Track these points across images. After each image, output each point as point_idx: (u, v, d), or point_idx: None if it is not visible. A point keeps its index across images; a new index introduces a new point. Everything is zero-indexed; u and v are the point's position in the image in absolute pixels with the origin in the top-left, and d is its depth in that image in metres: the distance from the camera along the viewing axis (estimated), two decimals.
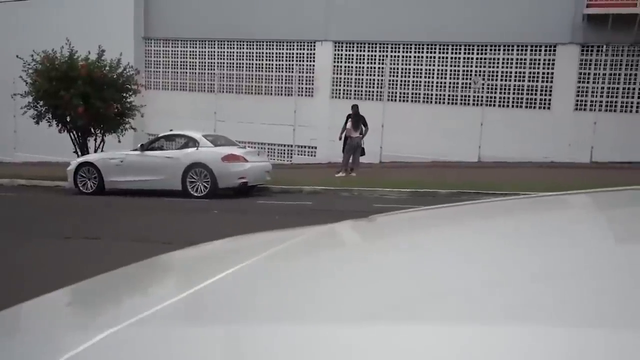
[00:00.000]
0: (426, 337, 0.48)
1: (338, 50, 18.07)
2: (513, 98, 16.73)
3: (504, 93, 16.77)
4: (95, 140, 13.54)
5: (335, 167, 13.97)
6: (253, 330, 0.54)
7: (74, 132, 13.35)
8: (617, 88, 15.97)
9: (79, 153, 13.05)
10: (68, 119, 13.00)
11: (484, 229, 1.03)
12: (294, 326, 0.54)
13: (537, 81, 16.51)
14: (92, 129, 13.37)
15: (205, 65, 19.61)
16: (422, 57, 17.35)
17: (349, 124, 13.26)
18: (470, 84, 16.96)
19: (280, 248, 0.95)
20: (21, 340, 0.65)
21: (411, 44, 17.33)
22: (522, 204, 1.28)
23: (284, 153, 18.73)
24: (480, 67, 16.85)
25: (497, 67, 16.77)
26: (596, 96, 16.07)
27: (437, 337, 0.47)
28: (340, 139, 13.64)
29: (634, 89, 15.84)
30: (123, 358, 0.52)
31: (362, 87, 17.97)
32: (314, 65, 18.31)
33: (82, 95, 12.41)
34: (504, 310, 0.53)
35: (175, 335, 0.56)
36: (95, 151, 13.08)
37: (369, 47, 17.77)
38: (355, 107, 13.35)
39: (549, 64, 16.38)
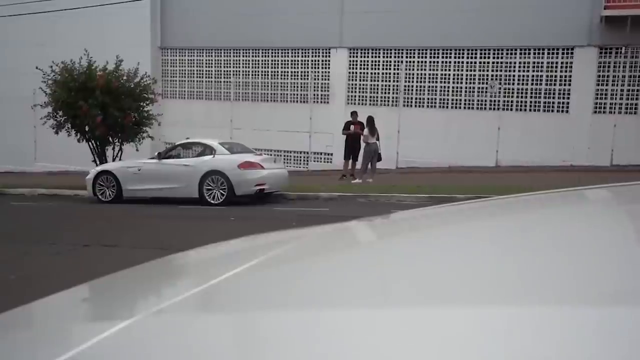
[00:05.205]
0: (434, 322, 0.49)
1: (353, 56, 18.10)
2: (530, 102, 16.58)
3: (521, 97, 16.63)
4: (114, 149, 13.70)
5: (340, 173, 14.13)
6: (267, 318, 0.56)
7: (93, 142, 13.53)
8: (637, 90, 15.75)
9: (98, 162, 13.20)
10: (87, 129, 13.17)
11: (489, 224, 1.05)
12: (303, 313, 0.56)
13: (554, 84, 16.35)
14: (110, 138, 13.53)
15: (221, 74, 19.77)
16: (438, 62, 17.30)
17: (365, 131, 13.22)
18: (486, 88, 16.85)
19: (291, 245, 0.96)
20: (42, 332, 0.68)
21: (426, 49, 17.29)
22: (529, 201, 1.28)
23: (300, 160, 18.76)
24: (497, 71, 16.74)
25: (514, 70, 16.65)
26: (615, 98, 15.86)
27: (445, 322, 0.48)
28: (343, 134, 13.90)
29: None
30: (141, 346, 0.54)
31: (377, 93, 17.96)
32: (329, 72, 18.35)
33: (100, 105, 12.58)
34: (506, 296, 0.55)
35: (192, 324, 0.58)
36: (114, 160, 13.23)
37: (383, 53, 17.76)
38: (370, 118, 13.23)
39: (566, 67, 16.22)
